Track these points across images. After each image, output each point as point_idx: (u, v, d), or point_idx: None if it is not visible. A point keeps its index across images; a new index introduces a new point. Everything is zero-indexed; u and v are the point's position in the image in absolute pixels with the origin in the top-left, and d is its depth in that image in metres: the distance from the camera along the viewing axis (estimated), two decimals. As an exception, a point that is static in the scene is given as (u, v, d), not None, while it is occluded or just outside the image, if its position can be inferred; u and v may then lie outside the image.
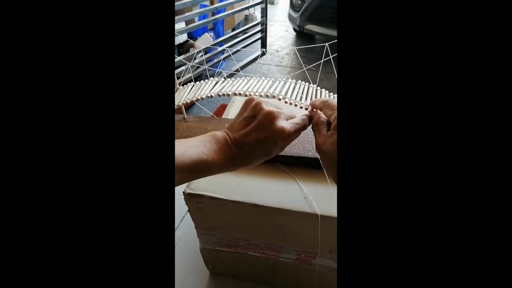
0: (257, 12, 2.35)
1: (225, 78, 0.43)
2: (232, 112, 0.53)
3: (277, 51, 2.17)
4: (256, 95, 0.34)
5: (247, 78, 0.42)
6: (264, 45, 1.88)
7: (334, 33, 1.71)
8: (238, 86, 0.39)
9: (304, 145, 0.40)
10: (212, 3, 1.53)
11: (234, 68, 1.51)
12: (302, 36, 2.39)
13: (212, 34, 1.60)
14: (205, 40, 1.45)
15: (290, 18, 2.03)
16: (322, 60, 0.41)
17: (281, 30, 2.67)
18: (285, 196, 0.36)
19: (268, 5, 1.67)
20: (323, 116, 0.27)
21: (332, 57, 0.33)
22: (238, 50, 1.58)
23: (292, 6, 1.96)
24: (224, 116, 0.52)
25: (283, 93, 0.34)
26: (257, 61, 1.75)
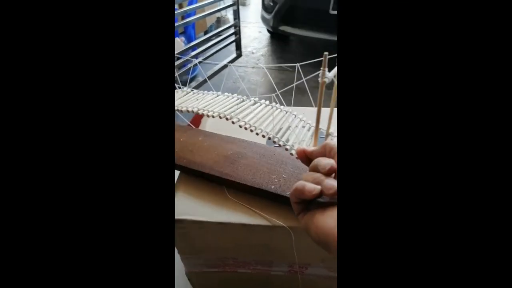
0: (229, 14, 2.33)
1: (191, 90, 0.41)
2: (209, 124, 0.50)
3: (252, 53, 2.16)
4: (211, 115, 0.33)
5: (217, 93, 0.40)
6: (238, 47, 1.86)
7: (308, 33, 1.74)
8: (200, 102, 0.37)
9: (271, 175, 0.36)
10: (181, 6, 1.48)
11: (209, 73, 1.47)
12: (276, 37, 2.40)
13: (183, 38, 1.55)
14: (176, 45, 1.40)
15: (263, 19, 2.03)
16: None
17: (255, 32, 2.67)
18: (272, 212, 0.34)
19: (240, 7, 1.65)
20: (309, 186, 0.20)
21: (309, 62, 0.32)
22: (212, 54, 1.55)
23: (264, 7, 1.96)
24: (201, 127, 0.49)
25: (240, 116, 0.33)
26: (232, 64, 1.73)
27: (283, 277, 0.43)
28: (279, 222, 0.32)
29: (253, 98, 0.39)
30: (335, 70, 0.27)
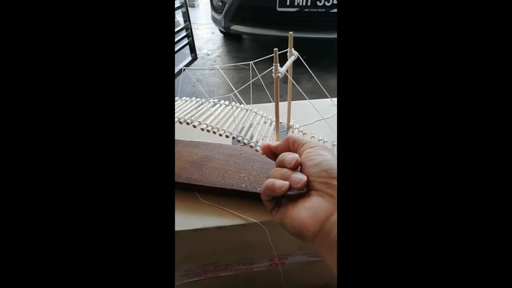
0: (178, 17, 2.25)
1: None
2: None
3: (208, 55, 2.12)
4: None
5: (176, 98, 0.39)
6: (193, 50, 1.81)
7: (260, 31, 1.76)
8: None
9: (240, 174, 0.36)
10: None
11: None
12: (229, 37, 2.40)
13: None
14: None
15: (214, 20, 2.01)
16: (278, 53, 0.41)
17: (208, 33, 2.63)
18: (246, 210, 0.34)
19: (189, 8, 1.61)
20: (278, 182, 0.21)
21: (264, 59, 0.32)
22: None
23: (214, 8, 1.94)
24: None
25: (201, 119, 0.33)
26: (189, 68, 1.68)
27: (265, 272, 0.44)
28: (254, 220, 0.33)
29: (211, 100, 0.38)
30: (287, 64, 0.28)
